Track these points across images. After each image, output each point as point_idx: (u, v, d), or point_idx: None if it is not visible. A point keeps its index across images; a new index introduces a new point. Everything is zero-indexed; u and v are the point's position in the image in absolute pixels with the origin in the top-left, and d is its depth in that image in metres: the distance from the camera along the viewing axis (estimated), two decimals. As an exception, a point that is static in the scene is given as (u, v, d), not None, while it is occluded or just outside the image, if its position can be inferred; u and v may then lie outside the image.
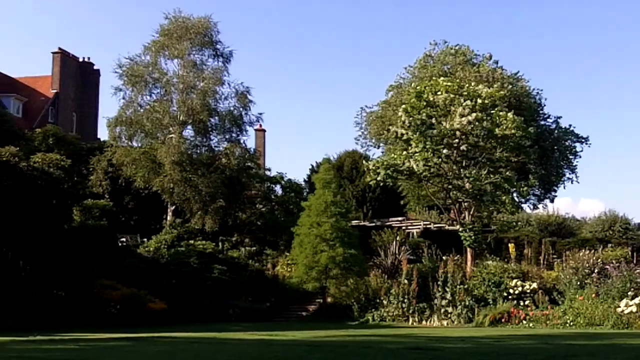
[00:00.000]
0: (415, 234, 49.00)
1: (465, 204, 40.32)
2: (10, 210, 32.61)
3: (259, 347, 19.92)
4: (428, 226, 49.60)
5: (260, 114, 50.06)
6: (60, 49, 66.73)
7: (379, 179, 39.52)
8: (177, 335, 24.85)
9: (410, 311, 36.46)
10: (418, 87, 40.43)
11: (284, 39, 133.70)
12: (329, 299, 40.00)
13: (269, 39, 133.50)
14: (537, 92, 53.54)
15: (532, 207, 55.91)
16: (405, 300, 36.63)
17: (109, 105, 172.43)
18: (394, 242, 43.44)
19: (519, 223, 56.21)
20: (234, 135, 48.90)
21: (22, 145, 39.93)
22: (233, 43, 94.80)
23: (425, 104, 39.20)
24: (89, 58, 70.39)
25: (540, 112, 53.65)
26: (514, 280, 36.52)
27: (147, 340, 22.55)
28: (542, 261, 43.35)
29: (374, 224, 49.60)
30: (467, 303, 35.47)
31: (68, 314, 31.23)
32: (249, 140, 53.40)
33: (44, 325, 28.74)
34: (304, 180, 58.37)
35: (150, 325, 31.40)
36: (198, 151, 48.61)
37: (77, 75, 68.56)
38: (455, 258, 39.15)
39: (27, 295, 30.54)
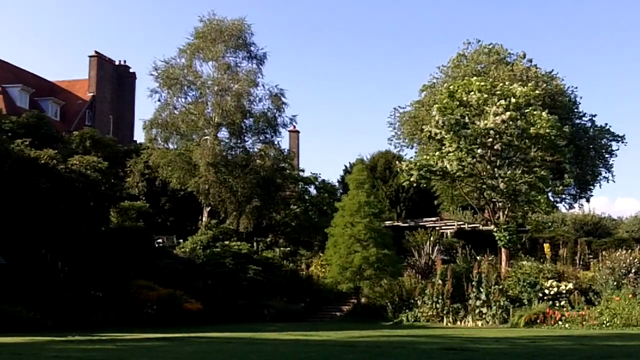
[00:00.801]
0: (449, 234, 48.89)
1: (500, 203, 40.14)
2: (49, 212, 33.22)
3: (294, 347, 20.09)
4: (462, 226, 49.46)
5: (294, 116, 50.65)
6: (96, 52, 67.56)
7: (412, 179, 39.51)
8: (212, 336, 25.13)
9: (445, 312, 36.35)
10: (451, 87, 40.37)
11: (318, 41, 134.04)
12: (363, 300, 40.06)
13: (302, 41, 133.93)
14: (572, 91, 53.22)
15: (567, 206, 55.55)
16: (440, 301, 36.54)
17: (145, 107, 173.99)
18: (428, 243, 43.41)
19: (554, 223, 55.87)
20: (268, 136, 49.27)
21: (60, 147, 40.71)
22: (267, 45, 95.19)
23: (458, 103, 39.13)
24: (125, 61, 71.21)
25: (575, 110, 53.30)
26: (550, 281, 36.28)
27: (183, 340, 22.84)
28: (577, 261, 43.00)
29: (407, 224, 49.59)
30: (501, 303, 35.30)
31: (105, 314, 31.65)
32: (283, 142, 53.76)
33: (82, 326, 29.13)
34: (338, 181, 58.58)
35: (186, 325, 31.78)
36: (233, 153, 48.98)
37: (114, 78, 69.34)
38: (490, 258, 39.02)
39: (66, 296, 31.01)
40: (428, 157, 39.97)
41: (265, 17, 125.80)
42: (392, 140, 55.74)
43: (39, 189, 32.66)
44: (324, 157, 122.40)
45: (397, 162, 45.67)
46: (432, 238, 44.61)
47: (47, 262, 32.87)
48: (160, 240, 44.99)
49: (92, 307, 31.27)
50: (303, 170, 59.30)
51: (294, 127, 58.16)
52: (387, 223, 44.95)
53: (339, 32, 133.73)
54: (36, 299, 29.29)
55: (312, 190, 55.79)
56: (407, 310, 37.35)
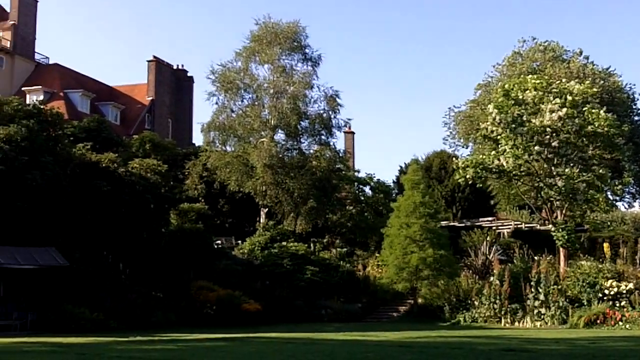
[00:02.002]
0: (505, 234, 48.52)
1: (557, 202, 39.68)
2: (110, 215, 34.03)
3: (351, 348, 20.29)
4: (519, 226, 49.03)
5: (349, 119, 50.96)
6: (155, 57, 68.71)
7: (467, 176, 39.32)
8: (271, 336, 25.46)
9: (502, 312, 36.10)
10: (506, 86, 40.09)
11: (373, 41, 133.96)
12: (419, 300, 40.04)
13: (357, 41, 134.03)
14: (630, 87, 52.33)
15: (627, 205, 54.60)
16: (497, 301, 36.30)
17: (202, 110, 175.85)
18: (485, 243, 43.15)
19: (614, 222, 54.95)
20: (323, 137, 49.53)
21: (121, 151, 41.62)
22: (322, 46, 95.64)
23: (513, 102, 38.85)
24: (182, 65, 72.25)
25: (634, 107, 52.42)
26: (609, 281, 35.75)
27: (242, 341, 23.22)
28: (638, 261, 42.28)
29: (463, 225, 49.37)
30: (560, 304, 34.93)
31: (166, 314, 32.29)
32: (339, 143, 53.96)
33: (143, 326, 29.80)
34: (393, 181, 58.55)
35: (245, 326, 32.23)
36: (289, 154, 49.38)
37: (172, 82, 70.43)
38: (548, 258, 38.63)
39: (127, 297, 31.73)
40: (484, 156, 39.74)
41: (320, 18, 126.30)
42: (447, 139, 55.59)
43: (100, 192, 33.48)
44: (379, 158, 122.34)
45: (453, 158, 45.51)
46: (488, 238, 44.34)
47: (108, 263, 33.67)
48: (219, 242, 45.62)
49: (153, 308, 31.96)
50: (358, 171, 59.46)
51: (349, 128, 58.30)
52: (443, 223, 44.84)
53: (393, 32, 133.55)
54: (99, 300, 30.08)
55: (368, 190, 55.91)
56: (464, 311, 37.20)
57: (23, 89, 61.53)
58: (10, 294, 29.04)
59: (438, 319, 37.17)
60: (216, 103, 49.29)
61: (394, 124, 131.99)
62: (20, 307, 28.92)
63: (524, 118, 38.57)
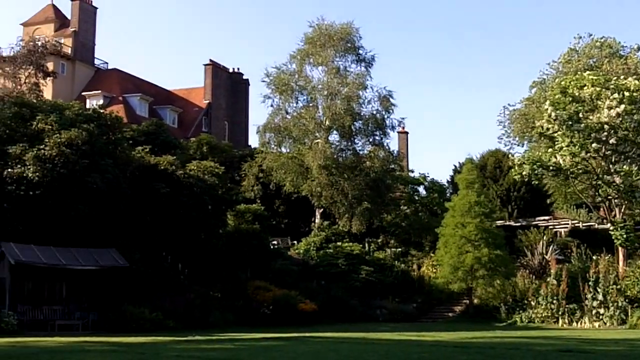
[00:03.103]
0: (562, 233, 47.92)
1: (616, 201, 39.09)
2: (169, 216, 34.67)
3: (407, 348, 20.35)
4: (576, 225, 48.35)
5: (403, 118, 51.22)
6: (211, 61, 69.55)
7: (524, 173, 38.97)
8: (327, 335, 25.65)
9: (560, 312, 35.77)
10: (562, 83, 39.62)
11: (425, 41, 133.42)
12: (475, 300, 39.87)
13: (410, 41, 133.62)
14: (692, 82, 51.03)
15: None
16: (554, 302, 35.98)
17: (258, 113, 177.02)
18: (541, 242, 42.70)
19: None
20: (377, 138, 49.74)
21: (178, 154, 42.30)
22: (375, 47, 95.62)
23: (570, 99, 38.38)
24: (238, 68, 73.02)
25: (696, 103, 51.12)
26: (670, 280, 35.18)
27: (298, 340, 23.45)
28: (699, 260, 41.41)
29: (519, 224, 48.90)
30: (619, 304, 34.45)
31: (224, 314, 32.75)
32: (392, 143, 54.01)
33: (201, 326, 30.19)
34: (447, 181, 58.26)
35: (300, 325, 32.48)
36: (343, 155, 49.68)
37: (228, 86, 71.22)
38: (607, 258, 38.09)
39: (186, 297, 32.23)
40: (540, 154, 39.34)
41: (373, 18, 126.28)
42: (502, 138, 54.98)
43: (159, 194, 34.14)
44: (433, 157, 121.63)
45: (509, 155, 45.05)
46: (545, 237, 43.84)
47: (168, 264, 34.28)
48: (275, 242, 46.06)
49: (211, 308, 32.39)
50: (412, 171, 59.42)
51: (403, 128, 58.28)
52: (499, 223, 44.49)
53: (446, 31, 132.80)
54: (158, 300, 30.60)
55: (422, 190, 55.78)
56: (520, 311, 36.96)
57: (83, 93, 62.92)
58: (73, 294, 29.70)
59: (494, 319, 36.99)
60: (271, 105, 49.97)
61: (448, 123, 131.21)
62: (82, 307, 29.60)
63: (581, 115, 38.08)
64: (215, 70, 69.70)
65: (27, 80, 54.04)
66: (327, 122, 48.70)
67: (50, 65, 58.40)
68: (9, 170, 29.59)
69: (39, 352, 18.49)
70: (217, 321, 31.60)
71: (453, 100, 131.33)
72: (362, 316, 38.17)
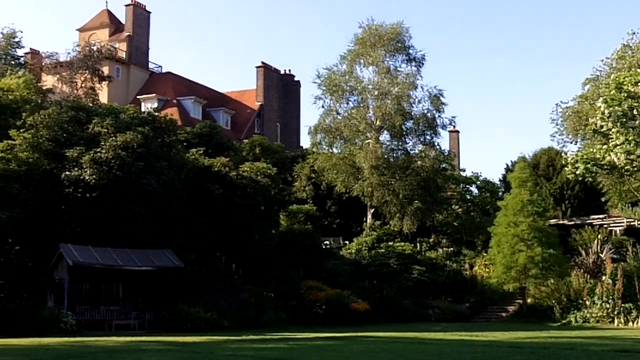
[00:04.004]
0: (618, 232, 47.18)
1: (674, 199, 38.44)
2: (223, 217, 35.18)
3: (460, 348, 20.38)
4: (632, 223, 47.57)
5: (454, 117, 50.99)
6: (263, 63, 70.10)
7: (577, 173, 38.50)
8: (379, 335, 25.77)
9: (616, 312, 35.21)
10: (617, 79, 39.01)
11: (476, 39, 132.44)
12: (528, 300, 39.48)
13: (461, 39, 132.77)
14: None
15: None
16: (610, 301, 35.45)
17: (309, 114, 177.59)
18: (596, 241, 42.14)
19: None
20: (428, 137, 49.68)
21: (232, 155, 42.83)
22: (425, 46, 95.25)
23: (625, 95, 37.78)
24: (289, 70, 73.43)
25: None
26: None
27: (351, 340, 23.62)
28: None
29: (573, 223, 48.32)
30: (677, 303, 33.92)
31: (277, 314, 33.05)
32: (443, 142, 53.87)
33: (255, 325, 30.56)
34: (499, 180, 57.88)
35: (353, 325, 32.67)
36: (394, 155, 49.74)
37: (280, 87, 71.70)
38: (664, 256, 37.46)
39: (240, 297, 32.60)
40: (594, 151, 38.81)
41: (423, 17, 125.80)
42: (554, 136, 54.31)
43: (213, 195, 34.67)
44: (484, 156, 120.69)
45: (562, 154, 44.49)
46: (600, 236, 43.25)
47: (222, 264, 34.79)
48: (327, 242, 46.32)
49: (265, 308, 32.69)
50: (464, 170, 59.11)
51: (454, 127, 58.10)
52: (552, 222, 44.04)
53: (497, 29, 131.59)
54: (212, 300, 30.95)
55: (474, 189, 55.50)
56: (575, 311, 36.51)
57: (138, 97, 63.97)
58: (129, 294, 30.29)
59: (548, 319, 36.63)
60: (322, 106, 50.30)
61: (499, 122, 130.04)
62: (138, 307, 30.19)
63: (635, 112, 37.47)
64: (267, 72, 70.24)
65: (83, 85, 55.19)
66: (377, 122, 48.83)
67: (105, 70, 59.56)
68: (67, 173, 30.26)
69: (97, 351, 18.92)
70: (271, 321, 31.88)
71: (505, 98, 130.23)
72: (415, 316, 38.18)
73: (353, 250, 45.55)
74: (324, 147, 50.63)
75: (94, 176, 29.82)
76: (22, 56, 59.33)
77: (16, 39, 57.26)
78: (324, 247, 44.05)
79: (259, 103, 69.20)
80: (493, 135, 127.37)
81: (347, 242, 48.16)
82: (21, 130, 31.71)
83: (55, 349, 19.25)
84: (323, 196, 51.58)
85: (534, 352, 18.23)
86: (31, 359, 16.84)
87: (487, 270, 42.56)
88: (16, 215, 28.11)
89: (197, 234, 34.59)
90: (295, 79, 73.77)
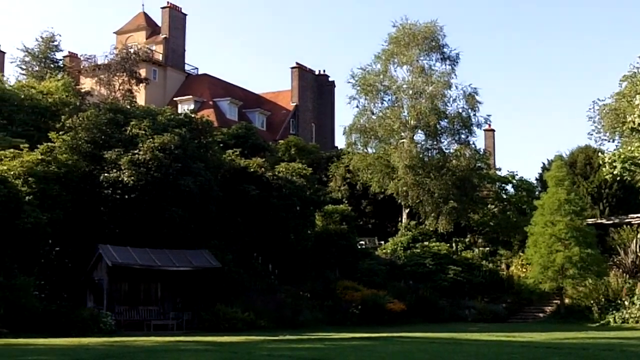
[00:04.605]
0: (657, 230, 46.55)
1: None
2: (259, 218, 35.41)
3: (497, 348, 20.36)
4: (672, 222, 46.91)
5: (489, 115, 50.79)
6: (298, 64, 70.29)
7: (615, 172, 38.11)
8: (415, 335, 25.79)
9: (656, 313, 34.89)
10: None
11: (511, 35, 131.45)
12: (566, 300, 39.19)
13: (495, 36, 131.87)
14: None
15: None
16: (649, 301, 35.13)
17: (343, 114, 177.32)
18: (635, 240, 41.69)
19: None
20: (463, 136, 49.48)
21: (267, 156, 43.11)
22: (459, 44, 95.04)
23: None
24: (324, 71, 73.53)
25: None
26: None
27: (387, 340, 23.68)
28: None
29: (611, 222, 47.65)
30: None
31: (313, 314, 33.20)
32: (478, 141, 53.54)
33: (292, 325, 30.74)
34: (536, 179, 57.32)
35: (389, 325, 32.72)
36: (429, 154, 49.64)
37: (314, 88, 71.81)
38: None
39: (277, 297, 32.83)
40: (632, 149, 38.37)
41: (457, 16, 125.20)
42: (592, 134, 53.74)
43: (249, 195, 34.91)
44: (520, 155, 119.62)
45: (599, 154, 44.04)
46: (639, 235, 42.77)
47: (258, 264, 35.03)
48: (362, 242, 46.36)
49: (301, 308, 32.88)
50: (499, 169, 58.72)
51: (489, 125, 57.79)
52: (590, 221, 43.49)
53: (533, 26, 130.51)
54: (249, 300, 31.23)
55: (510, 189, 55.14)
56: (614, 312, 36.14)
57: (175, 99, 64.51)
58: (167, 294, 30.62)
59: (586, 319, 36.31)
60: (357, 106, 50.37)
61: (535, 120, 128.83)
62: (176, 307, 30.49)
63: (673, 110, 37.00)
64: (302, 73, 70.42)
65: (121, 87, 55.84)
66: (412, 122, 48.75)
67: (142, 72, 60.13)
68: (105, 174, 30.69)
69: (135, 351, 19.19)
70: (307, 321, 32.04)
71: (541, 96, 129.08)
72: (451, 316, 38.08)
73: (388, 250, 45.55)
74: (359, 147, 50.70)
75: (132, 177, 30.19)
76: (61, 59, 60.19)
77: (55, 43, 58.08)
78: (359, 247, 44.07)
79: (294, 104, 69.41)
80: (529, 134, 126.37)
81: (382, 242, 48.14)
82: (60, 133, 32.21)
83: (95, 349, 19.55)
84: (358, 196, 51.64)
85: (571, 353, 18.17)
86: (72, 359, 17.10)
87: (524, 270, 42.32)
88: (56, 216, 28.56)
89: (233, 235, 34.86)
90: (330, 79, 73.85)
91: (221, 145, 40.23)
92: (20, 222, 26.50)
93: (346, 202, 49.13)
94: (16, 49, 73.58)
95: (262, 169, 37.02)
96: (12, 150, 30.50)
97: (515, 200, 53.17)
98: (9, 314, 24.80)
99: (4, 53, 62.23)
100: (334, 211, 42.87)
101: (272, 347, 20.61)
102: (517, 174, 55.35)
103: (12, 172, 28.69)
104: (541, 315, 39.94)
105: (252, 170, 36.78)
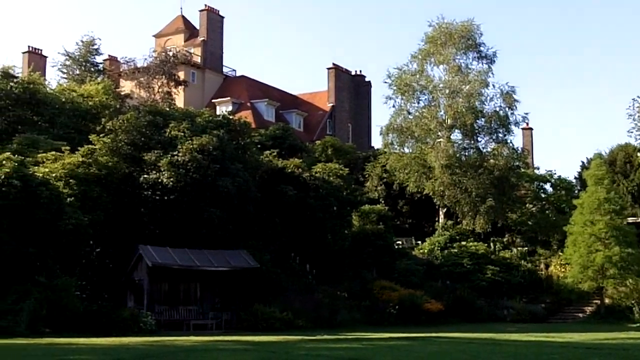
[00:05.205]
0: (700, 229, 45.88)
1: None
2: (296, 218, 35.60)
3: (536, 349, 20.30)
4: None
5: (527, 113, 50.57)
6: (334, 64, 70.33)
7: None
8: (453, 335, 25.77)
9: (700, 313, 34.44)
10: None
11: (548, 33, 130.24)
12: (606, 300, 38.85)
13: (533, 34, 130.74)
14: None
15: None
16: (692, 301, 34.68)
17: (380, 114, 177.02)
18: (677, 239, 41.10)
19: None
20: (500, 135, 49.20)
21: (304, 157, 43.33)
22: (496, 43, 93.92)
23: None
24: (360, 71, 73.43)
25: None
26: None
27: (425, 340, 23.70)
28: None
29: (653, 221, 47.19)
30: None
31: (351, 313, 33.26)
32: (516, 140, 53.24)
33: (329, 325, 30.84)
34: (575, 178, 56.84)
35: (426, 325, 32.66)
36: (466, 153, 49.46)
37: (351, 88, 71.78)
38: None
39: (314, 297, 32.94)
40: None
41: (494, 14, 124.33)
42: (631, 132, 53.14)
43: (286, 196, 35.12)
44: (559, 154, 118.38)
45: (638, 153, 43.54)
46: (681, 234, 42.17)
47: (296, 264, 35.20)
48: (399, 242, 46.33)
49: (338, 308, 32.93)
50: (538, 168, 58.28)
51: (527, 124, 57.38)
52: (630, 220, 43.09)
53: (570, 23, 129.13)
54: (287, 300, 31.37)
55: (548, 188, 54.71)
56: (655, 312, 35.81)
57: (213, 100, 64.93)
58: (206, 294, 30.85)
59: (627, 319, 36.00)
60: (393, 106, 50.35)
61: (574, 118, 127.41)
62: (215, 307, 30.69)
63: None
64: (338, 73, 70.45)
65: (160, 90, 56.36)
66: (449, 121, 48.64)
67: (181, 74, 60.64)
68: (145, 176, 31.06)
69: (175, 351, 19.43)
70: (345, 321, 32.11)
71: (580, 94, 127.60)
72: (489, 316, 37.93)
73: (425, 250, 45.48)
74: (395, 146, 50.66)
75: (172, 179, 30.51)
76: (101, 63, 60.95)
77: (95, 47, 58.87)
78: (396, 247, 44.08)
79: (331, 104, 69.48)
80: (568, 132, 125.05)
81: (419, 242, 48.06)
82: (101, 135, 32.64)
83: (135, 349, 19.80)
84: (395, 196, 51.61)
85: (612, 354, 18.07)
86: (113, 358, 17.35)
87: (563, 270, 42.01)
88: (97, 218, 28.95)
89: (271, 235, 35.07)
90: (366, 79, 73.80)
91: (259, 146, 40.51)
92: (62, 223, 26.89)
93: (383, 202, 49.18)
94: (57, 53, 74.66)
95: (300, 169, 37.21)
96: (53, 152, 30.93)
97: (554, 199, 52.77)
98: (52, 314, 25.15)
99: (46, 57, 63.05)
100: (370, 211, 42.92)
101: (310, 347, 20.71)
102: (555, 173, 54.96)
103: (53, 175, 29.10)
104: (581, 315, 39.62)
105: (289, 170, 36.99)
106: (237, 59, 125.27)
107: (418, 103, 50.27)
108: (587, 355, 17.99)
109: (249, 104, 64.04)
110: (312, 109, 69.54)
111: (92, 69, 57.82)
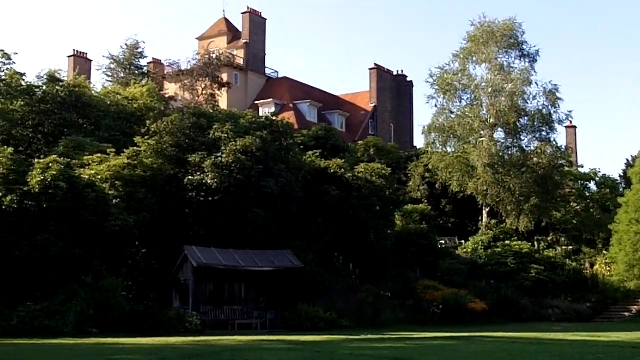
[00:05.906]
0: None
1: None
2: (339, 218, 35.77)
3: (581, 348, 20.17)
4: None
5: (570, 111, 50.22)
6: (376, 65, 70.30)
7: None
8: (497, 335, 25.68)
9: None
10: None
11: (592, 31, 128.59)
12: (653, 299, 38.41)
13: (577, 31, 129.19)
14: None
15: None
16: None
17: (422, 113, 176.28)
18: None
19: None
20: (543, 134, 48.84)
21: (347, 157, 43.42)
22: (540, 41, 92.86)
23: None
24: (402, 71, 73.30)
25: None
26: None
27: (469, 340, 23.65)
28: None
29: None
30: None
31: (394, 313, 33.30)
32: (560, 138, 52.79)
33: (373, 324, 30.93)
34: (620, 176, 56.12)
35: (471, 325, 32.57)
36: (509, 152, 49.20)
37: (392, 88, 71.67)
38: None
39: (358, 297, 33.03)
40: None
41: (537, 12, 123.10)
42: (677, 129, 52.49)
43: (329, 196, 35.31)
44: (603, 152, 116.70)
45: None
46: None
47: (339, 264, 35.35)
48: (442, 242, 46.24)
49: (382, 307, 33.03)
50: (582, 167, 57.69)
51: (571, 122, 56.78)
52: (677, 218, 42.56)
53: (615, 21, 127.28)
54: (331, 299, 31.49)
55: (593, 186, 54.13)
56: (703, 311, 35.28)
57: (256, 102, 65.35)
58: (250, 294, 31.11)
59: (675, 319, 35.50)
60: (435, 105, 50.26)
61: (618, 116, 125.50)
62: (260, 307, 30.96)
63: None
64: (380, 73, 70.40)
65: (203, 92, 56.87)
66: (491, 120, 48.41)
67: (224, 77, 61.08)
68: (190, 177, 31.44)
69: (221, 350, 19.62)
70: (388, 320, 32.18)
71: (624, 92, 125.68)
72: (533, 316, 37.69)
73: (469, 250, 45.32)
74: (438, 146, 50.56)
75: (216, 180, 30.84)
76: (145, 66, 61.62)
77: (139, 50, 59.55)
78: (439, 246, 43.99)
79: (373, 104, 69.46)
80: (612, 130, 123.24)
81: (462, 241, 47.90)
82: (146, 137, 33.13)
83: (181, 348, 20.08)
84: (437, 195, 51.50)
85: (659, 354, 17.88)
86: (159, 358, 17.59)
87: (608, 269, 41.59)
88: (142, 219, 29.38)
89: (314, 235, 35.28)
90: (408, 79, 73.64)
91: (301, 147, 40.72)
92: (108, 224, 27.32)
93: (425, 201, 49.09)
94: (102, 56, 75.83)
95: (342, 169, 37.36)
96: (99, 155, 31.40)
97: (599, 197, 52.21)
98: (98, 314, 25.58)
99: (91, 61, 64.02)
100: (413, 211, 42.90)
101: (354, 347, 20.79)
102: (600, 171, 54.39)
103: (99, 177, 29.61)
104: (627, 314, 39.17)
105: (332, 171, 37.16)
106: (279, 61, 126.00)
107: (460, 102, 50.22)
108: (634, 354, 17.86)
109: (291, 105, 64.34)
110: (354, 110, 69.58)
111: (137, 72, 58.50)
